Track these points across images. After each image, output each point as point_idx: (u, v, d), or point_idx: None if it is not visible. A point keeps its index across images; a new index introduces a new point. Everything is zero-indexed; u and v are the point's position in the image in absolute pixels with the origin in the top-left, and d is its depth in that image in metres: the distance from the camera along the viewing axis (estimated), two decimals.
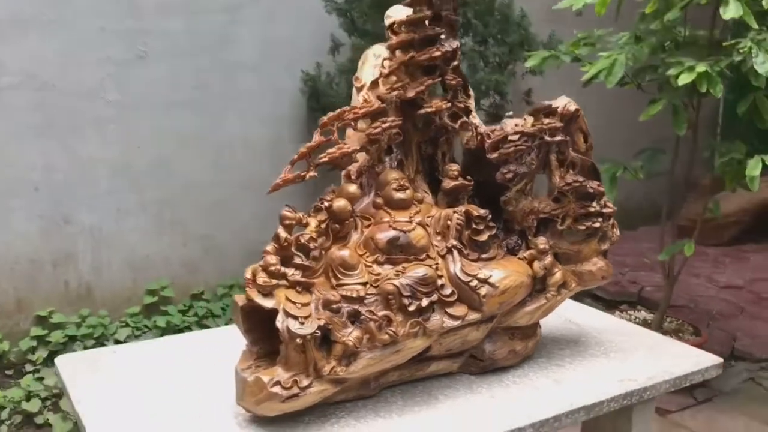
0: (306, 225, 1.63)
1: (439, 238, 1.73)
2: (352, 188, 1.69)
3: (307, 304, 1.51)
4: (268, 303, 1.49)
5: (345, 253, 1.61)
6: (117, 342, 3.62)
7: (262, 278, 1.51)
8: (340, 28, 3.64)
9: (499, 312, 1.72)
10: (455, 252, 1.70)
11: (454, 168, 1.81)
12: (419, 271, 1.62)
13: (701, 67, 2.60)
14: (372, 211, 1.75)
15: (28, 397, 3.07)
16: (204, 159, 3.88)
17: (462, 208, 1.75)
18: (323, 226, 1.63)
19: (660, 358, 1.89)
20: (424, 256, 1.68)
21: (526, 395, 1.70)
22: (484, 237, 1.74)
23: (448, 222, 1.74)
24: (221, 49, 3.76)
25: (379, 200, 1.75)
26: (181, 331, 3.74)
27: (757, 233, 5.30)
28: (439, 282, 1.64)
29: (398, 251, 1.66)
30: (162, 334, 3.66)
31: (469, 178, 1.81)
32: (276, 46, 3.88)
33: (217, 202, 3.89)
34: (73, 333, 3.54)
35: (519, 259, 1.79)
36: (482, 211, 1.75)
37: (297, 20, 3.87)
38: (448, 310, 1.64)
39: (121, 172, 3.65)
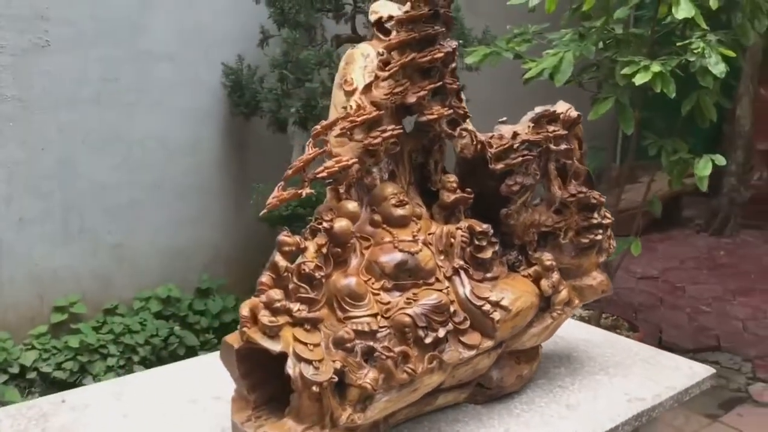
0: (304, 250, 1.42)
1: (442, 257, 1.58)
2: (352, 206, 1.50)
3: (318, 345, 1.31)
4: (276, 346, 1.28)
5: (351, 281, 1.42)
6: (22, 367, 3.23)
7: (266, 317, 1.29)
8: (269, 19, 3.38)
9: (509, 336, 1.59)
10: (462, 273, 1.56)
11: (452, 179, 1.66)
12: (432, 297, 1.46)
13: (656, 67, 2.58)
14: (369, 230, 1.56)
15: None
16: (114, 159, 3.52)
17: (464, 224, 1.60)
18: (323, 250, 1.43)
19: (659, 373, 1.83)
20: (432, 279, 1.52)
21: (540, 425, 1.58)
22: (487, 254, 1.60)
23: (452, 239, 1.58)
24: (132, 38, 3.41)
25: (377, 217, 1.57)
26: (96, 350, 3.39)
27: (662, 223, 5.50)
28: (451, 308, 1.49)
29: (406, 275, 1.49)
30: (75, 356, 3.31)
31: (468, 190, 1.66)
32: (195, 35, 3.57)
33: (129, 206, 3.55)
34: None
35: (523, 276, 1.66)
36: (484, 226, 1.61)
37: (219, 8, 3.58)
38: (462, 339, 1.49)
39: (21, 175, 3.24)
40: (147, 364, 3.38)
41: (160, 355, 3.45)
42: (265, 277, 1.37)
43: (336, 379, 1.28)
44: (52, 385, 3.24)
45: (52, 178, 3.30)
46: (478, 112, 1.85)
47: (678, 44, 2.67)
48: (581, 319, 3.62)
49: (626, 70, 2.65)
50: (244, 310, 1.34)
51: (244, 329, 1.32)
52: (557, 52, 2.91)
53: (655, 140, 2.97)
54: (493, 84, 4.11)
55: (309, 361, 1.27)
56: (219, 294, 3.80)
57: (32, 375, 3.23)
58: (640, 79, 2.57)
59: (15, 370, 3.19)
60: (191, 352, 3.56)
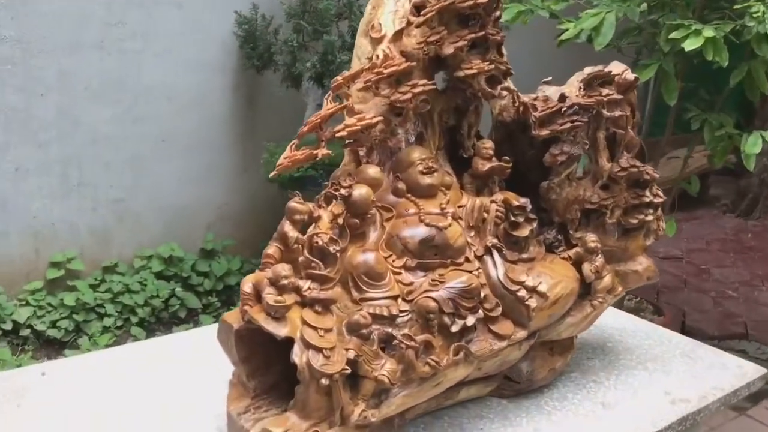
0: (317, 220, 1.24)
1: (472, 233, 1.39)
2: (373, 171, 1.31)
3: (330, 330, 1.13)
4: (281, 330, 1.10)
5: (370, 257, 1.24)
6: (15, 324, 3.08)
7: (271, 295, 1.11)
8: None
9: (544, 326, 1.40)
10: (495, 252, 1.37)
11: (488, 146, 1.46)
12: (461, 280, 1.28)
13: (708, 32, 2.34)
14: (392, 199, 1.37)
15: None
16: (117, 109, 3.33)
17: (500, 197, 1.41)
18: (339, 221, 1.24)
19: (703, 371, 1.65)
20: (462, 259, 1.33)
21: (574, 427, 1.40)
22: (525, 232, 1.41)
23: (485, 214, 1.39)
24: None
25: (401, 185, 1.37)
26: (93, 310, 3.24)
27: (687, 202, 5.27)
28: (482, 293, 1.30)
29: (432, 253, 1.31)
30: (71, 314, 3.16)
31: (506, 158, 1.46)
32: None
33: (131, 160, 3.36)
34: None
35: (562, 258, 1.47)
36: (522, 200, 1.42)
37: None
38: (492, 328, 1.31)
39: (18, 123, 3.05)
40: (146, 326, 3.24)
41: (160, 317, 3.30)
42: (272, 249, 1.19)
43: (348, 370, 1.10)
44: (47, 344, 3.10)
45: (51, 128, 3.12)
46: None
47: (735, 7, 2.43)
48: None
49: (675, 35, 2.41)
50: (246, 285, 1.16)
51: (246, 308, 1.14)
52: (598, 12, 2.67)
53: (699, 113, 2.75)
54: (520, 46, 3.87)
55: (318, 349, 1.09)
56: (224, 255, 3.64)
57: (26, 332, 3.09)
58: (690, 45, 2.34)
59: (8, 326, 3.05)
60: (193, 314, 3.41)
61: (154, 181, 3.46)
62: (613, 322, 1.87)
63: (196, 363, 1.49)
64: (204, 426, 1.29)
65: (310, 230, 1.23)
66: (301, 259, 1.18)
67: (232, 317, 1.17)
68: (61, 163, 3.19)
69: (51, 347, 3.12)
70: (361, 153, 1.41)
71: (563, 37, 2.81)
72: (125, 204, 3.43)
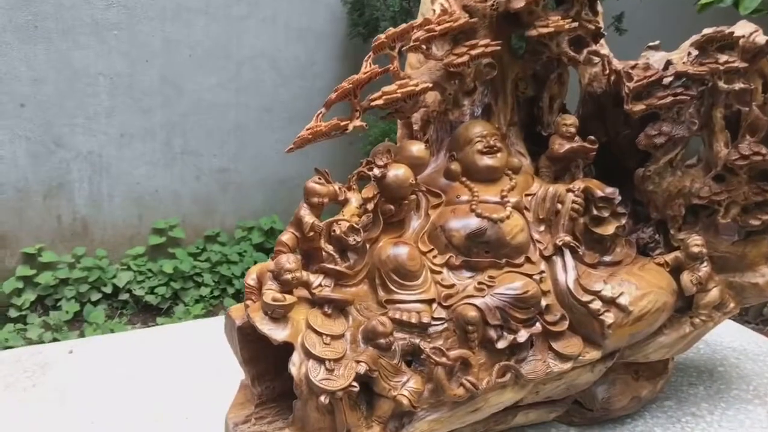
0: (344, 203, 1.05)
1: (542, 228, 1.15)
2: (417, 149, 1.09)
3: (340, 337, 0.95)
4: (279, 333, 0.93)
5: (402, 251, 1.03)
6: (115, 288, 3.12)
7: (271, 291, 0.94)
8: None
9: (626, 345, 1.14)
10: (568, 253, 1.12)
11: (570, 122, 1.21)
12: (514, 285, 1.04)
13: None
14: (442, 183, 1.16)
15: None
16: (221, 77, 3.27)
17: (580, 185, 1.15)
18: (370, 206, 1.04)
19: None
20: (521, 259, 1.10)
21: None
22: (609, 229, 1.15)
23: (558, 205, 1.14)
24: None
25: (455, 166, 1.16)
26: (191, 278, 3.23)
27: None
28: (543, 302, 1.06)
29: (482, 250, 1.08)
30: (168, 282, 3.17)
31: (592, 138, 1.20)
32: None
33: (235, 129, 3.31)
34: (65, 275, 3.04)
35: (657, 264, 1.19)
36: (609, 190, 1.15)
37: None
38: (554, 345, 1.07)
39: (124, 89, 3.07)
40: (241, 298, 3.20)
41: None
42: (287, 236, 1.02)
43: (356, 388, 0.91)
44: (144, 310, 3.13)
45: (155, 94, 3.11)
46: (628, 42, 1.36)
47: None
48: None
49: None
50: (251, 276, 0.99)
51: (248, 302, 0.98)
52: None
53: None
54: (649, 12, 3.45)
55: (320, 360, 0.91)
56: (329, 213, 3.53)
57: (125, 297, 3.13)
58: None
59: (108, 289, 3.09)
60: None
61: (257, 151, 3.40)
62: (732, 340, 1.55)
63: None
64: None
65: (337, 216, 1.04)
66: (315, 249, 0.99)
67: (238, 312, 1.01)
68: (165, 129, 3.18)
69: (148, 313, 3.15)
70: (415, 127, 1.20)
71: (704, 0, 2.42)
72: (228, 173, 3.39)
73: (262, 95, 3.33)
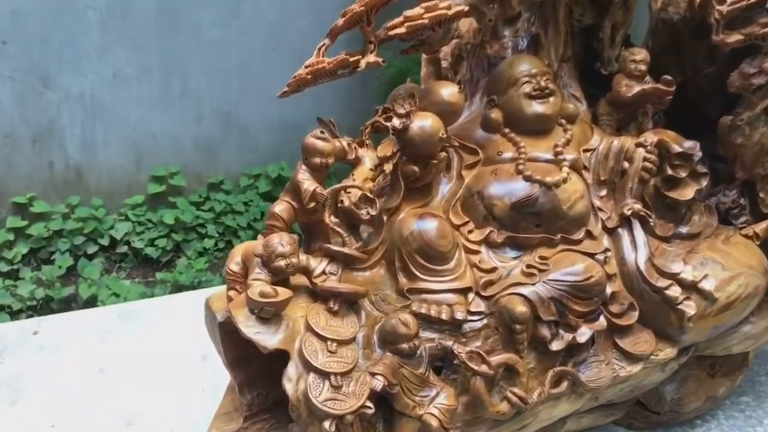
0: (355, 164, 0.81)
1: (603, 192, 0.91)
2: (448, 92, 0.84)
3: (350, 341, 0.73)
4: (269, 339, 0.71)
5: (429, 226, 0.80)
6: (113, 240, 2.92)
7: (258, 281, 0.72)
8: None
9: (706, 338, 0.92)
10: (637, 225, 0.88)
11: (640, 57, 0.95)
12: (575, 268, 0.82)
13: None
14: (479, 136, 0.92)
15: None
16: (222, 12, 2.98)
17: (652, 137, 0.91)
18: (388, 167, 0.81)
19: None
20: (580, 233, 0.86)
21: None
22: (688, 193, 0.92)
23: (625, 164, 0.90)
24: None
25: (496, 114, 0.91)
26: (193, 230, 3.03)
27: None
28: (608, 289, 0.84)
29: (532, 224, 0.85)
30: (170, 233, 2.96)
31: (668, 78, 0.95)
32: None
33: (238, 69, 3.04)
34: (59, 226, 2.84)
35: (744, 236, 0.95)
36: (688, 144, 0.91)
37: None
38: (620, 342, 0.85)
39: (116, 23, 2.80)
40: None
41: None
42: (281, 207, 0.79)
43: (371, 410, 0.69)
44: (144, 263, 2.94)
45: (150, 30, 2.84)
46: None
47: None
48: None
49: None
50: (234, 260, 0.77)
51: (232, 293, 0.76)
52: None
53: None
54: None
55: (324, 374, 0.69)
56: (337, 178, 3.30)
57: (123, 249, 2.93)
58: None
59: (105, 241, 2.89)
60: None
61: (262, 93, 3.13)
62: None
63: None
64: None
65: (344, 181, 0.81)
66: (316, 223, 0.77)
67: (219, 302, 0.79)
68: (162, 69, 2.93)
69: (148, 267, 2.96)
70: (444, 64, 0.96)
71: None
72: (232, 117, 3.14)
73: (266, 33, 3.06)
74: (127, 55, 2.86)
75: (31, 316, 2.48)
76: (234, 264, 0.76)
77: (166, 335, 1.10)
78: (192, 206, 3.09)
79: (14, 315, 2.49)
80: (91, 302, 2.50)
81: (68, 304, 2.57)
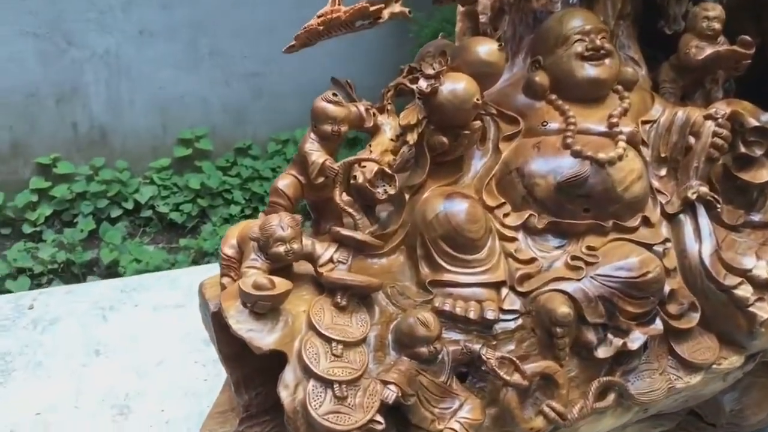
0: (373, 133, 0.70)
1: (663, 172, 0.78)
2: (487, 49, 0.71)
3: (359, 343, 0.62)
4: (263, 337, 0.60)
5: (458, 208, 0.68)
6: (137, 204, 2.86)
7: (254, 270, 0.61)
8: None
9: None
10: (702, 210, 0.75)
11: (715, 14, 0.81)
12: (629, 262, 0.69)
13: None
14: (520, 102, 0.79)
15: (14, 275, 2.38)
16: None
17: (724, 108, 0.77)
18: (412, 137, 0.69)
19: None
20: (636, 220, 0.74)
21: None
22: (762, 175, 0.79)
23: (690, 139, 0.77)
24: None
25: (541, 78, 0.78)
26: (220, 195, 2.94)
27: None
28: (666, 287, 0.71)
29: (580, 207, 0.72)
30: (195, 198, 2.88)
31: (746, 39, 0.80)
32: None
33: (267, 29, 2.91)
34: (82, 189, 2.78)
35: None
36: (767, 117, 0.77)
37: None
38: (678, 348, 0.73)
39: None
40: None
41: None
42: (286, 181, 0.68)
43: (381, 425, 0.59)
44: (168, 228, 2.87)
45: None
46: None
47: None
48: None
49: None
50: (229, 243, 0.66)
51: (225, 281, 0.65)
52: None
53: None
54: None
55: (326, 381, 0.58)
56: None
57: (147, 213, 2.87)
58: None
59: (129, 205, 2.83)
60: None
61: (293, 54, 3.01)
62: None
63: None
64: None
65: (359, 153, 0.69)
66: (324, 201, 0.65)
67: (213, 290, 0.69)
68: (188, 27, 2.82)
69: (172, 232, 2.88)
70: (483, 19, 0.83)
71: None
72: (261, 78, 3.03)
73: None
74: (152, 12, 2.76)
75: (52, 280, 2.43)
76: (228, 247, 0.65)
77: (170, 314, 1.00)
78: (218, 171, 3.01)
79: (35, 278, 2.44)
80: (113, 267, 2.44)
81: (90, 268, 2.51)
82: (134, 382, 0.92)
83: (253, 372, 0.72)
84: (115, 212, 2.83)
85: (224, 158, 3.05)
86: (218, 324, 0.68)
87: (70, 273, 2.42)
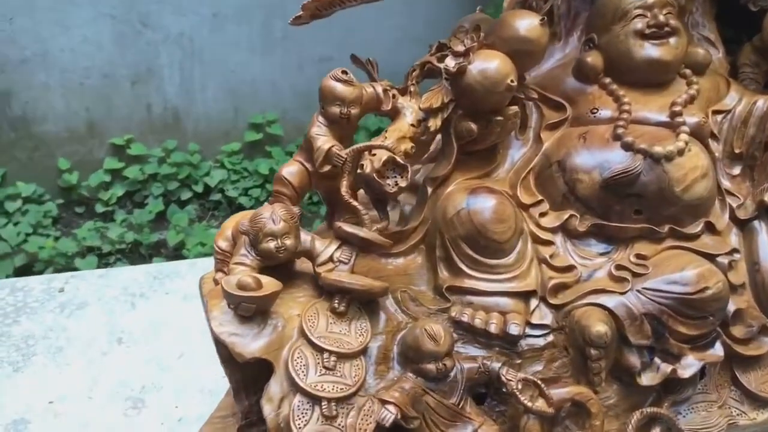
0: (392, 116, 0.62)
1: (736, 171, 0.67)
2: (528, 24, 0.62)
3: (356, 355, 0.54)
4: (247, 344, 0.54)
5: (485, 205, 0.59)
6: (206, 187, 2.87)
7: (242, 267, 0.54)
8: None
9: None
10: None
11: None
12: (685, 275, 0.59)
13: None
14: (569, 86, 0.70)
15: (83, 254, 2.42)
16: None
17: None
18: (435, 123, 0.61)
19: None
20: (698, 226, 0.63)
21: None
22: None
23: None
24: None
25: (594, 59, 0.68)
26: None
27: None
28: (731, 305, 0.60)
29: (629, 208, 0.62)
30: (264, 183, 2.87)
31: None
32: None
33: (342, 13, 2.85)
34: (154, 170, 2.81)
35: None
36: None
37: None
38: (743, 378, 0.62)
39: None
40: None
41: None
42: (291, 168, 0.62)
43: None
44: (237, 212, 2.86)
45: None
46: None
47: None
48: None
49: None
50: (223, 235, 0.60)
51: (218, 276, 0.59)
52: None
53: None
54: None
55: (315, 398, 0.51)
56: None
57: (216, 197, 2.88)
58: None
59: (199, 188, 2.84)
60: None
61: (367, 38, 2.94)
62: None
63: None
64: None
65: (374, 139, 0.62)
66: (330, 190, 0.58)
67: (211, 283, 0.63)
68: (262, 11, 2.80)
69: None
70: None
71: None
72: (333, 63, 2.97)
73: None
74: None
75: (119, 259, 2.46)
76: (222, 240, 0.59)
77: (199, 305, 0.95)
78: (288, 156, 2.98)
79: (102, 257, 2.48)
80: (179, 249, 2.45)
81: (157, 249, 2.54)
82: (152, 374, 0.88)
83: (254, 377, 0.66)
84: (185, 195, 2.85)
85: (294, 143, 3.03)
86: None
87: (137, 253, 2.44)
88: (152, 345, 0.92)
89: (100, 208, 2.70)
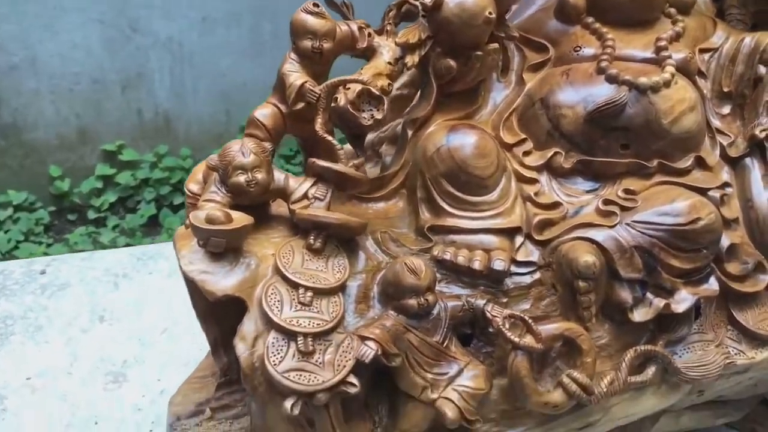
0: (369, 56, 0.60)
1: (726, 109, 0.65)
2: None
3: (334, 291, 0.52)
4: (219, 281, 0.52)
5: (465, 141, 0.57)
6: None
7: (212, 203, 0.52)
8: None
9: None
10: None
11: None
12: (675, 207, 0.57)
13: None
14: (551, 28, 0.68)
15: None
16: None
17: None
18: (411, 59, 0.58)
19: None
20: (688, 160, 0.61)
21: None
22: None
23: (761, 69, 0.64)
24: None
25: None
26: None
27: None
28: (725, 239, 0.58)
29: (615, 142, 0.60)
30: None
31: None
32: None
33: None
34: (146, 175, 2.79)
35: None
36: None
37: None
38: (739, 316, 0.60)
39: None
40: None
41: None
42: (264, 111, 0.60)
43: (356, 388, 0.49)
44: None
45: None
46: None
47: None
48: None
49: None
50: (195, 178, 0.58)
51: (188, 219, 0.57)
52: None
53: None
54: None
55: (289, 333, 0.49)
56: None
57: None
58: None
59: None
60: None
61: None
62: None
63: None
64: None
65: (354, 75, 0.60)
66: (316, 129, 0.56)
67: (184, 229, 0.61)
68: (251, 13, 2.80)
69: None
70: None
71: None
72: None
73: None
74: None
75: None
76: (194, 183, 0.57)
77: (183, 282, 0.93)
78: (281, 159, 2.96)
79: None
80: None
81: None
82: (134, 350, 0.85)
83: (231, 331, 0.64)
84: (178, 199, 2.82)
85: (287, 147, 3.01)
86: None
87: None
88: (135, 322, 0.90)
89: (92, 215, 2.68)
